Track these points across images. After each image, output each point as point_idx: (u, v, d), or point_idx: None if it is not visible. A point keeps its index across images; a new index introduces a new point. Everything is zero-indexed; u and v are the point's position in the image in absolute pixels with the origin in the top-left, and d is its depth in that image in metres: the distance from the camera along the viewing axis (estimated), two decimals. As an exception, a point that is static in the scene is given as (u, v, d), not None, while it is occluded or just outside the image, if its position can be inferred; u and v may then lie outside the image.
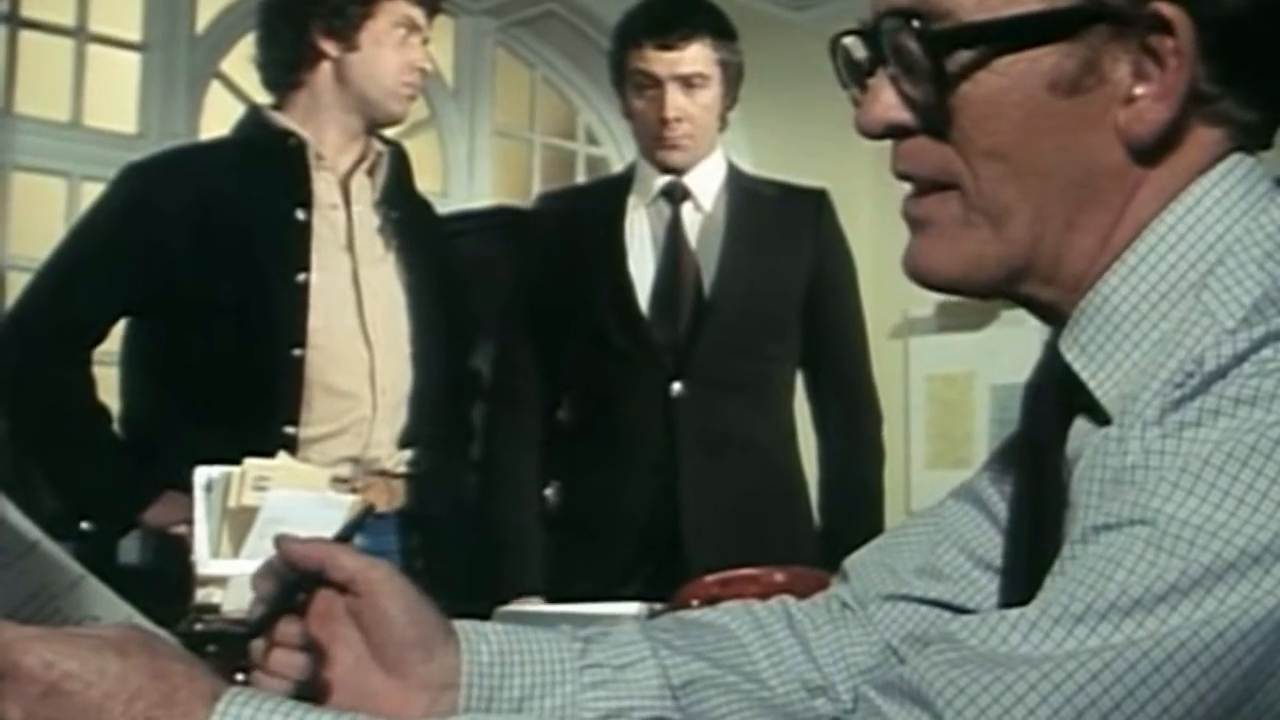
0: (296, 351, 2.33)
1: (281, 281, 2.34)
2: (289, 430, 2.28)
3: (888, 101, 0.92)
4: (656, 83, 2.64)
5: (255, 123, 2.46)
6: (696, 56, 2.64)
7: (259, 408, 2.28)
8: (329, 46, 2.39)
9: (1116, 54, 0.87)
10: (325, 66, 2.40)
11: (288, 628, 0.99)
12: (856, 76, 0.96)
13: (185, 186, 2.35)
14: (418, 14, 2.44)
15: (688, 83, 2.64)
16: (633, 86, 2.68)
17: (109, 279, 2.35)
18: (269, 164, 2.39)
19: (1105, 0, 0.86)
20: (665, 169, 2.71)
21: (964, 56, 0.88)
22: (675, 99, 2.63)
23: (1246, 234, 0.87)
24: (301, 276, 2.35)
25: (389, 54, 2.41)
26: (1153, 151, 0.88)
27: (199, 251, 2.32)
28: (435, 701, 1.00)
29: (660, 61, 2.63)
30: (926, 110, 0.91)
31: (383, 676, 0.99)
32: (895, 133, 0.93)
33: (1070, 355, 0.92)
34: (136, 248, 2.33)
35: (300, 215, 2.37)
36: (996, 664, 0.76)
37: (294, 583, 1.00)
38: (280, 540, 1.01)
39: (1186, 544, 0.75)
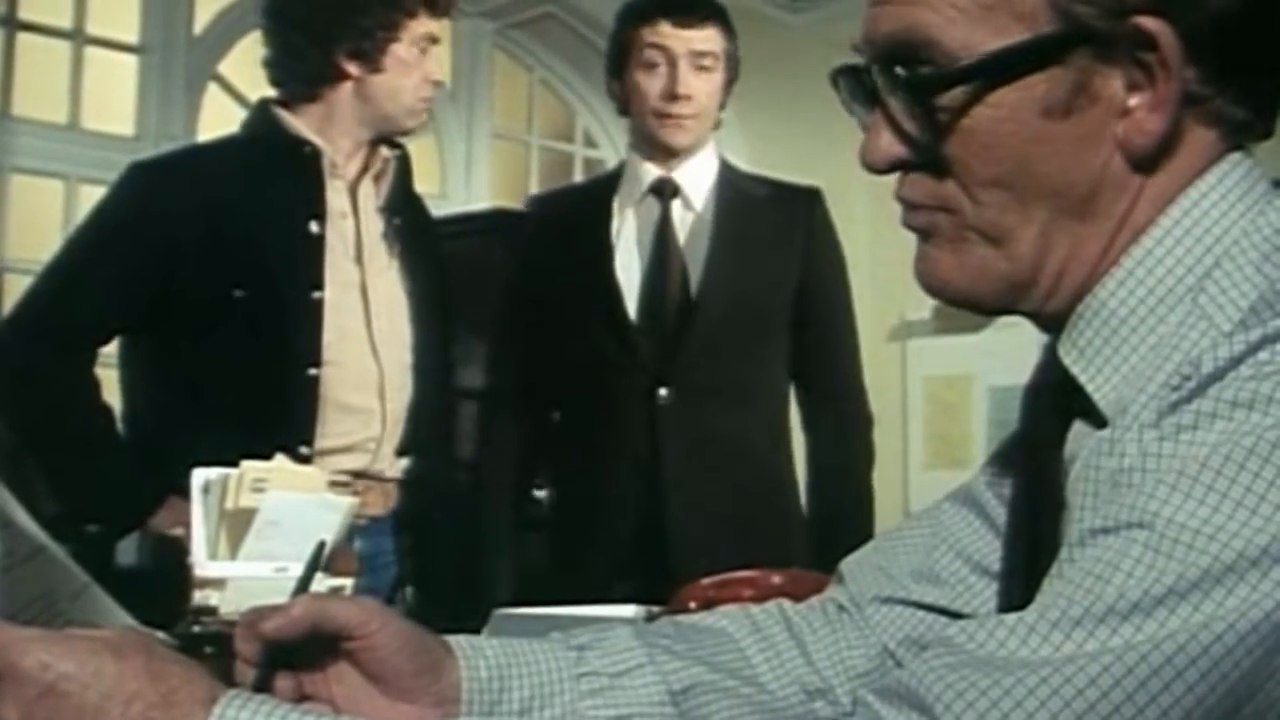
0: (312, 371, 2.31)
1: (297, 298, 2.32)
2: (304, 450, 2.25)
3: (888, 139, 0.93)
4: (670, 60, 2.65)
5: (266, 124, 2.42)
6: (709, 38, 2.67)
7: (273, 425, 2.23)
8: (352, 68, 2.37)
9: (1106, 72, 0.87)
10: (347, 85, 2.38)
11: (283, 683, 0.98)
12: (860, 104, 0.96)
13: (195, 188, 2.32)
14: (435, 27, 2.43)
15: (700, 63, 2.66)
16: (640, 65, 2.68)
17: (116, 277, 2.31)
18: (283, 172, 2.37)
19: (1087, 23, 0.87)
20: (659, 153, 2.70)
21: (955, 95, 0.89)
22: (687, 76, 2.65)
23: (1244, 236, 0.87)
24: (317, 294, 2.33)
25: (410, 72, 2.40)
26: (1152, 158, 0.89)
27: (209, 255, 2.29)
28: (447, 715, 1.00)
29: (677, 38, 2.65)
30: (924, 148, 0.91)
31: (390, 703, 0.99)
32: (899, 167, 0.94)
33: (1069, 359, 0.92)
34: (144, 246, 2.30)
35: (314, 228, 2.35)
36: (994, 668, 0.76)
37: (282, 642, 0.98)
38: (258, 619, 0.97)
39: (1184, 547, 0.75)
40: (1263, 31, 0.87)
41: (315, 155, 2.39)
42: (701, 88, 2.66)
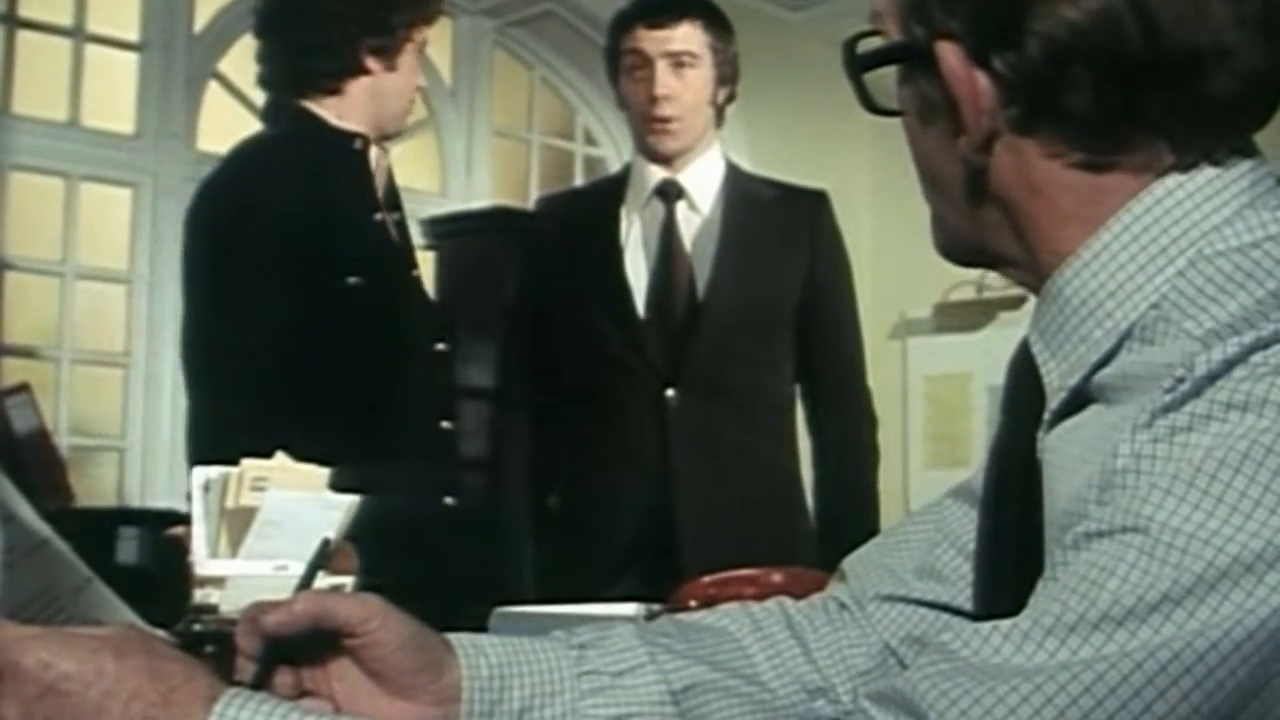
0: (440, 346, 2.42)
1: (402, 287, 2.39)
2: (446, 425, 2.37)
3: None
4: (647, 62, 2.66)
5: (308, 120, 2.39)
6: (686, 36, 2.68)
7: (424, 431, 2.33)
8: (372, 64, 2.39)
9: (927, 86, 0.92)
10: (363, 81, 2.39)
11: (284, 679, 0.98)
12: None
13: (285, 193, 2.30)
14: (429, 33, 2.48)
15: (677, 62, 2.66)
16: (625, 71, 2.70)
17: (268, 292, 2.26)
18: (343, 167, 2.38)
19: (916, 40, 0.91)
20: (656, 157, 2.71)
21: (876, 78, 0.94)
22: (664, 78, 2.65)
23: (1220, 239, 0.86)
24: (415, 272, 2.42)
25: (412, 74, 2.45)
26: (1096, 161, 0.88)
27: (315, 247, 2.29)
28: (447, 715, 1.00)
29: (650, 40, 2.67)
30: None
31: (390, 700, 0.99)
32: None
33: (1032, 338, 0.95)
34: (261, 255, 2.26)
35: (378, 218, 2.40)
36: (989, 675, 0.76)
37: (283, 638, 0.97)
38: (260, 614, 0.97)
39: (1179, 552, 0.75)
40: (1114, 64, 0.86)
41: (366, 148, 2.41)
42: (681, 87, 2.66)
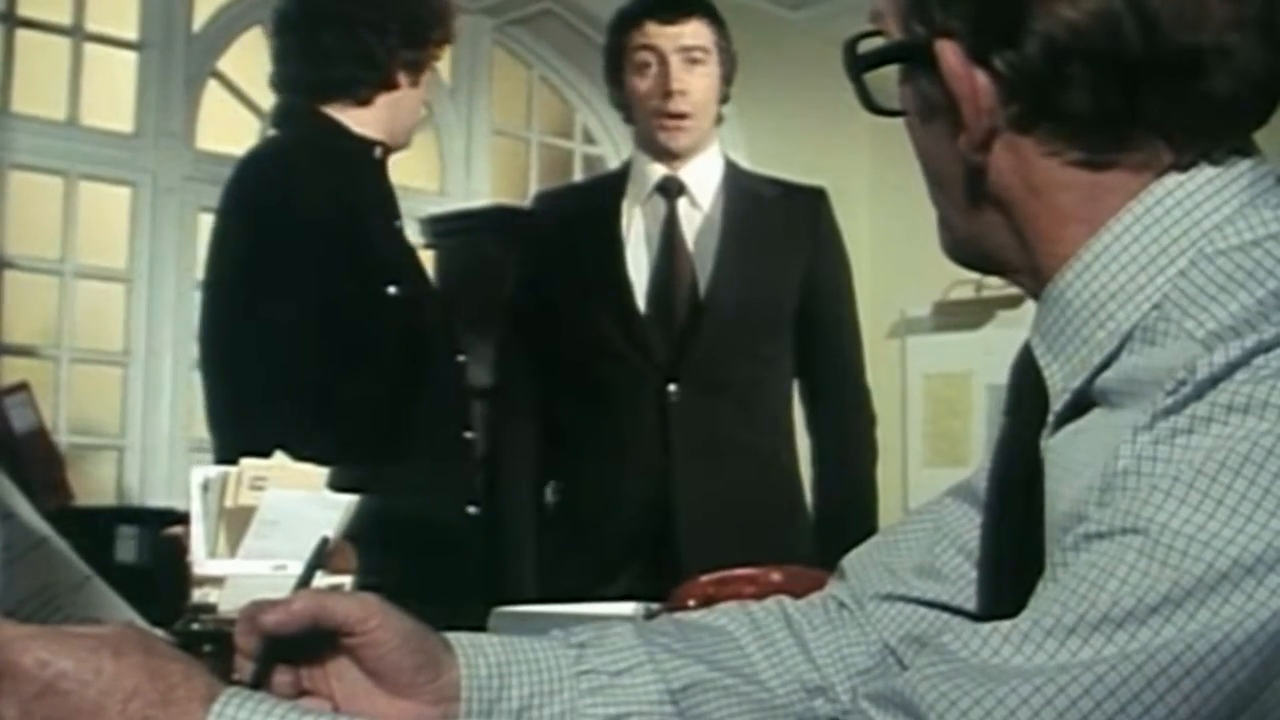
0: (460, 358, 2.44)
1: (424, 294, 2.43)
2: (469, 435, 2.38)
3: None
4: (660, 59, 2.66)
5: (327, 127, 2.39)
6: (697, 31, 2.69)
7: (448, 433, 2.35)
8: (402, 78, 2.41)
9: (927, 85, 0.92)
10: (392, 96, 2.41)
11: (282, 678, 0.98)
12: None
13: (313, 196, 2.29)
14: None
15: (690, 58, 2.67)
16: (633, 69, 2.69)
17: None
18: (367, 175, 2.40)
19: (917, 39, 0.91)
20: (664, 154, 2.70)
21: (877, 78, 0.95)
22: (679, 73, 2.66)
23: (1221, 238, 0.86)
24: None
25: (424, 90, 2.48)
26: (1094, 160, 0.88)
27: (352, 254, 2.29)
28: (446, 714, 1.00)
29: (664, 36, 2.67)
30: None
31: (389, 700, 0.99)
32: None
33: (1034, 341, 0.95)
34: (293, 247, 2.26)
35: (398, 224, 2.43)
36: (988, 677, 0.76)
37: (281, 637, 0.97)
38: (258, 613, 0.96)
39: (1179, 554, 0.75)
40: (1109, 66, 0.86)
41: (385, 156, 2.43)
42: (695, 83, 2.67)
